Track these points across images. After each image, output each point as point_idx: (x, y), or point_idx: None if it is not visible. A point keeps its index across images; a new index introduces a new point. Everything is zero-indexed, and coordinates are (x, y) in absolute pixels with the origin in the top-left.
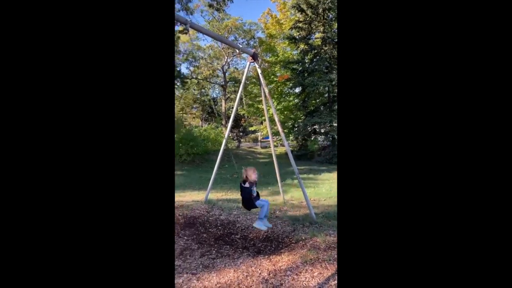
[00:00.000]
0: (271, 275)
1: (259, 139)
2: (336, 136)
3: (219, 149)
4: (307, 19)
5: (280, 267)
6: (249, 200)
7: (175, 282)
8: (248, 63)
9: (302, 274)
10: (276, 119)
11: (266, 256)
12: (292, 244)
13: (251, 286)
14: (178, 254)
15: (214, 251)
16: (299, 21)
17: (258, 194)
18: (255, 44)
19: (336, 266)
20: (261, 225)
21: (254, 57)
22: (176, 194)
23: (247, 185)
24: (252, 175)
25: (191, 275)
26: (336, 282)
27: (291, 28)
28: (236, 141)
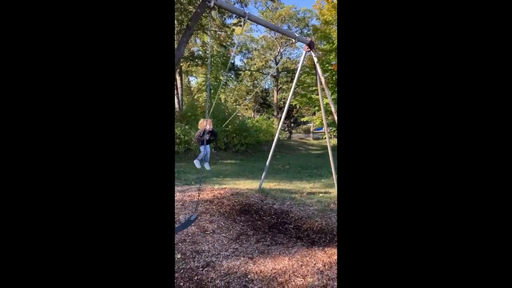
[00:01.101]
0: (326, 267)
1: (311, 130)
2: None
3: (271, 140)
4: None
5: (335, 259)
6: (197, 138)
7: (233, 264)
8: (304, 52)
9: None
10: (333, 109)
11: (321, 248)
12: None
13: (306, 275)
14: (235, 238)
15: (268, 238)
16: None
17: (209, 142)
18: (309, 32)
19: None
20: (197, 163)
21: (311, 46)
22: (231, 182)
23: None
24: (206, 125)
25: (248, 258)
26: None
27: None
28: (287, 132)
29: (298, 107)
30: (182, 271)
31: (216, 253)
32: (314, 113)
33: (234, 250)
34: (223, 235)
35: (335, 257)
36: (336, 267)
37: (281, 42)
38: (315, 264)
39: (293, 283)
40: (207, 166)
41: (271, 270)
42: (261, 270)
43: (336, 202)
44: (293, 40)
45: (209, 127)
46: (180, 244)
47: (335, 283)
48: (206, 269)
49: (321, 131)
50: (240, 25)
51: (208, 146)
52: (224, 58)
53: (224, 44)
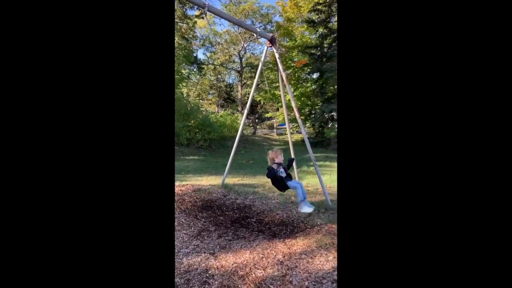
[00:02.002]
0: (286, 257)
1: (275, 126)
2: None
3: (235, 135)
4: (327, 0)
5: (295, 250)
6: (274, 179)
7: (193, 261)
8: (265, 48)
9: (317, 258)
10: (294, 105)
11: (281, 240)
12: (307, 229)
13: (266, 267)
14: (196, 234)
15: (230, 233)
16: (319, 3)
17: (290, 176)
18: (272, 29)
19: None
20: (305, 208)
21: (272, 41)
22: (193, 178)
23: (274, 166)
24: (278, 157)
25: (209, 254)
26: None
27: (310, 11)
28: (252, 127)
29: (262, 102)
30: None
31: (176, 250)
32: (277, 109)
33: (195, 246)
34: (184, 232)
35: (295, 247)
36: (296, 257)
37: (245, 37)
38: (275, 255)
39: (254, 275)
40: (308, 204)
41: (232, 264)
42: (222, 265)
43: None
44: (256, 36)
45: (280, 158)
46: None
47: (294, 272)
48: None
49: (284, 126)
50: (202, 17)
51: (294, 180)
52: (186, 51)
53: (186, 36)
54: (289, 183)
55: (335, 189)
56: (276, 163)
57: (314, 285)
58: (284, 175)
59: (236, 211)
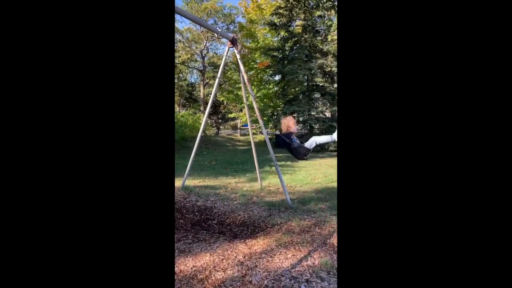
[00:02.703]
0: (246, 258)
1: (238, 126)
2: (313, 125)
3: (196, 136)
4: (288, 5)
5: (255, 250)
6: (293, 148)
7: None
8: (227, 48)
9: (277, 256)
10: (255, 107)
11: (242, 240)
12: (268, 229)
13: (226, 268)
14: None
15: (190, 236)
16: (280, 7)
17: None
18: (235, 29)
19: (308, 248)
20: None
21: (233, 42)
22: None
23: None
24: (292, 126)
25: None
26: (308, 263)
27: (272, 14)
28: (215, 128)
29: (225, 103)
30: None
31: None
32: (241, 110)
33: None
34: None
35: (255, 247)
36: (256, 257)
37: (207, 36)
38: (235, 256)
39: (213, 278)
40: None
41: (192, 268)
42: (180, 270)
43: (258, 195)
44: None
45: (294, 127)
46: None
47: (254, 272)
48: None
49: (247, 127)
50: None
51: (297, 140)
52: None
53: None
54: (306, 143)
55: (295, 188)
56: (290, 132)
57: (273, 283)
58: (298, 142)
59: (196, 213)
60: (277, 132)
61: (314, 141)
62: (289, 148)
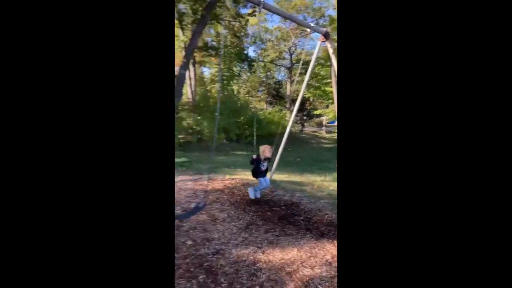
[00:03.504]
0: (335, 259)
1: (323, 123)
2: None
3: (282, 132)
4: None
5: None
6: (254, 171)
7: (242, 252)
8: (319, 43)
9: None
10: None
11: (330, 240)
12: None
13: (314, 266)
14: (245, 227)
15: (278, 229)
16: None
17: (266, 171)
18: (325, 23)
19: None
20: (251, 192)
21: (326, 36)
22: (241, 173)
23: (260, 158)
24: (267, 152)
25: (257, 248)
26: None
27: None
28: (300, 124)
29: (311, 99)
30: (192, 257)
31: (226, 241)
32: (327, 106)
33: (244, 239)
34: (233, 224)
35: None
36: None
37: (296, 33)
38: (323, 255)
39: (301, 273)
40: (258, 194)
41: (280, 260)
42: (269, 260)
43: None
44: (308, 31)
45: (269, 153)
46: (191, 231)
47: None
48: (216, 256)
49: (334, 124)
50: (255, 15)
51: (267, 177)
52: (237, 48)
53: (238, 34)
54: (260, 178)
55: None
56: (263, 158)
57: None
58: (264, 169)
59: (283, 207)
60: (254, 156)
61: (261, 182)
62: (254, 168)
